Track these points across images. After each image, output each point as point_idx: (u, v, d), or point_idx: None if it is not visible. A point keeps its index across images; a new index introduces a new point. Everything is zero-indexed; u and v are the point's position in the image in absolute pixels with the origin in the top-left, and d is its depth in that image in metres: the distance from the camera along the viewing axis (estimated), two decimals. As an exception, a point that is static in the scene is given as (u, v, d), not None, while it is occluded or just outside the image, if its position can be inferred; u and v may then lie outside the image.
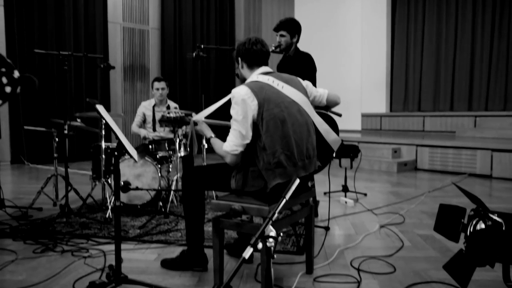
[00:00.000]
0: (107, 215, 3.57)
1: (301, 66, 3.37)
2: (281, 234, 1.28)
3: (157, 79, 4.69)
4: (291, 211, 2.38)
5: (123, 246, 2.93)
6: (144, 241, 3.05)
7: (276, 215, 1.32)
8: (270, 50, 3.40)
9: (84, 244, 2.96)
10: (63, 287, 2.26)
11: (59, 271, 2.46)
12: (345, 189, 4.49)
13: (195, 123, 2.36)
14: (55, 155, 3.90)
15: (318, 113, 2.41)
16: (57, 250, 2.82)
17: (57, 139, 3.89)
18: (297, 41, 3.46)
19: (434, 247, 2.87)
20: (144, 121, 4.79)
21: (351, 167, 4.58)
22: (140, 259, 2.70)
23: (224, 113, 2.13)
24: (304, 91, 2.29)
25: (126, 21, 8.83)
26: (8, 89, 1.08)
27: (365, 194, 4.67)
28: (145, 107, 4.78)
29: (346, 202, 4.25)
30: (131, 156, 1.91)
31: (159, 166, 3.94)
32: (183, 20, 9.36)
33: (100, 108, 2.01)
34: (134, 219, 3.62)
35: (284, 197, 1.36)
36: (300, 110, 2.19)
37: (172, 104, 4.87)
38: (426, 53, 9.03)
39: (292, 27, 3.40)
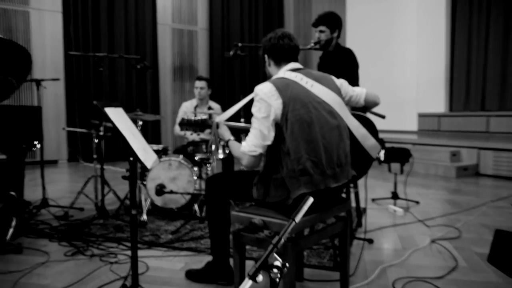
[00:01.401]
0: (142, 218, 3.52)
1: (341, 62, 3.10)
2: (287, 264, 1.06)
3: (197, 78, 4.61)
4: (324, 224, 2.15)
5: (151, 252, 2.85)
6: (173, 248, 2.94)
7: (282, 241, 1.11)
8: (309, 46, 3.18)
9: (114, 248, 2.91)
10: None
11: (83, 277, 2.41)
12: (394, 196, 4.14)
13: (218, 126, 2.20)
14: (94, 156, 3.92)
15: (355, 115, 2.16)
16: (87, 254, 2.78)
17: (96, 140, 3.91)
18: (338, 36, 3.19)
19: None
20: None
21: (402, 172, 4.21)
22: (166, 268, 2.58)
23: (250, 114, 1.94)
24: (337, 91, 2.04)
25: (176, 22, 8.92)
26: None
27: (417, 202, 4.28)
28: (187, 108, 4.72)
29: (395, 211, 3.90)
30: (141, 163, 1.79)
31: (196, 168, 3.84)
32: (231, 19, 9.31)
33: (114, 111, 1.90)
34: (169, 223, 3.54)
35: (293, 220, 1.15)
36: (331, 111, 1.95)
37: (214, 105, 4.76)
38: (491, 48, 8.25)
39: (332, 21, 3.14)
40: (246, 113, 2.72)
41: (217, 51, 9.23)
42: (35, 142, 3.59)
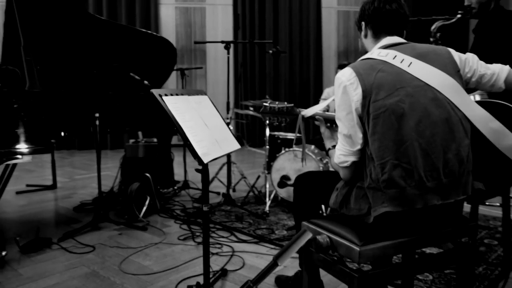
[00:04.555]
0: (265, 209, 3.41)
1: (503, 29, 2.30)
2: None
3: (339, 66, 4.23)
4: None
5: (256, 248, 2.71)
6: (282, 246, 2.73)
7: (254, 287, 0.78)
8: (455, 19, 2.47)
9: (224, 238, 2.87)
10: (169, 283, 2.19)
11: (179, 264, 2.43)
12: None
13: (303, 118, 1.87)
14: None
15: (488, 103, 1.52)
16: (196, 241, 2.82)
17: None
18: (499, -3, 2.38)
19: None
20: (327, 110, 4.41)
21: None
22: (261, 268, 2.38)
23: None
24: (452, 69, 1.45)
25: (341, 5, 8.50)
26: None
27: None
28: (328, 94, 4.40)
29: None
30: (196, 157, 1.61)
31: (326, 160, 3.51)
32: (405, -5, 8.35)
33: (193, 99, 1.77)
34: (291, 218, 3.34)
35: (276, 262, 0.80)
36: (436, 98, 1.39)
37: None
38: None
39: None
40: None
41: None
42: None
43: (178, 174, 4.62)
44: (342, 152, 1.50)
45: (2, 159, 2.43)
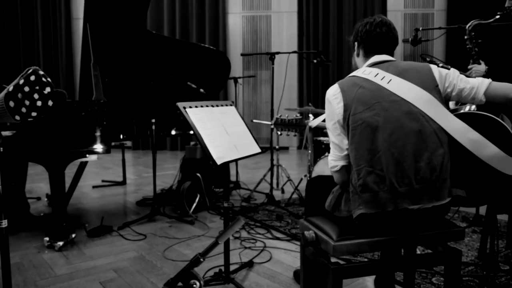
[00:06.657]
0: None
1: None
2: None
3: None
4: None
5: (287, 245, 2.92)
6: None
7: (201, 260, 1.03)
8: (495, 18, 2.46)
9: (260, 235, 3.12)
10: (200, 269, 2.47)
11: (214, 255, 2.68)
12: None
13: (311, 128, 2.06)
14: (276, 146, 4.24)
15: (469, 115, 1.60)
16: (234, 235, 3.11)
17: (279, 133, 4.20)
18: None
19: None
20: None
21: None
22: (285, 262, 2.61)
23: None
24: (430, 85, 1.58)
25: (408, 7, 8.31)
26: (39, 103, 1.34)
27: None
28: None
29: None
30: (210, 159, 1.87)
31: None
32: (478, -6, 7.94)
33: (219, 110, 2.05)
34: (329, 220, 3.50)
35: (217, 241, 1.04)
36: (411, 112, 1.52)
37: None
38: None
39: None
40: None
41: (456, 34, 8.07)
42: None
43: (233, 175, 4.96)
44: (332, 157, 1.69)
45: (74, 157, 2.93)
